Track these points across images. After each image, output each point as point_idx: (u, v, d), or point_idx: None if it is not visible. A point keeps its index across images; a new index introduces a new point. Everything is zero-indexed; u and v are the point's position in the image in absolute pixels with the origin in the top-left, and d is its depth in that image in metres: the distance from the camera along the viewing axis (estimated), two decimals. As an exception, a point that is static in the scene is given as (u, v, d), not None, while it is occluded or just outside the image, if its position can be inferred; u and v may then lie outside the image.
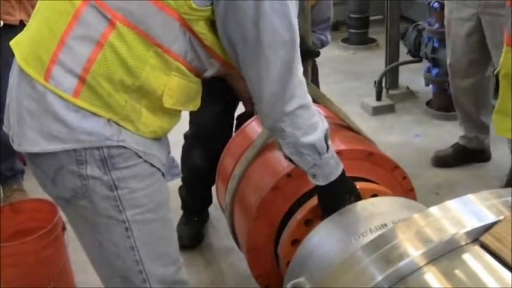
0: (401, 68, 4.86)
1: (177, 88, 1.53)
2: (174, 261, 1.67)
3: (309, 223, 1.89)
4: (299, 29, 1.54)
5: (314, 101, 2.23)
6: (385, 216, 1.73)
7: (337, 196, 1.79)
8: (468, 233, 1.11)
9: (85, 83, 1.44)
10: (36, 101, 1.46)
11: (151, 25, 1.43)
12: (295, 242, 1.89)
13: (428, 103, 4.61)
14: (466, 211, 1.16)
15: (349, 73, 5.45)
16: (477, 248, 1.11)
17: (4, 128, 1.61)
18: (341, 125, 2.27)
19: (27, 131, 1.48)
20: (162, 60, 1.47)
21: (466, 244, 1.11)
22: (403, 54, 4.74)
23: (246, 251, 2.07)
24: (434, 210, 1.18)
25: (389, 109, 4.63)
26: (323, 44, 2.89)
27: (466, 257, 1.10)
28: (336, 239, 1.74)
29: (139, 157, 1.53)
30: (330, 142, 1.69)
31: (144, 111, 1.52)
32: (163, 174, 1.63)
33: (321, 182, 1.73)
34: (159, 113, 1.55)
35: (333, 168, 1.73)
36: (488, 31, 3.25)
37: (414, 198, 2.13)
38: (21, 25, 2.98)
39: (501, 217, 1.13)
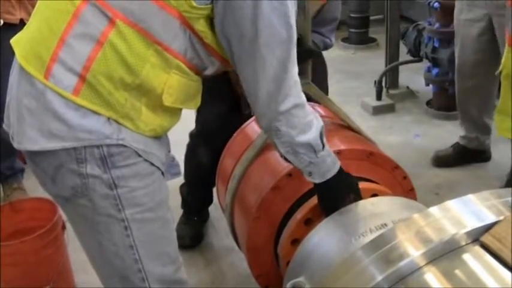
0: (401, 67, 4.85)
1: (177, 86, 1.53)
2: (173, 260, 1.67)
3: (308, 223, 1.89)
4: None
5: (314, 100, 2.25)
6: (385, 216, 1.73)
7: (336, 194, 1.79)
8: (468, 233, 1.11)
9: (85, 81, 1.44)
10: (36, 99, 1.46)
11: (152, 23, 1.44)
12: (295, 242, 1.88)
13: (428, 103, 4.61)
14: (466, 211, 1.16)
15: (349, 73, 5.45)
16: (477, 248, 1.11)
17: (4, 126, 1.61)
18: (341, 125, 2.27)
19: (27, 129, 1.48)
20: (162, 59, 1.47)
21: (466, 244, 1.11)
22: (403, 53, 4.74)
23: (246, 250, 2.07)
24: (434, 210, 1.18)
25: (390, 109, 4.63)
26: (326, 47, 2.89)
27: (466, 257, 1.10)
28: (336, 238, 1.73)
29: (139, 156, 1.53)
30: (325, 140, 1.69)
31: (144, 110, 1.52)
32: (162, 173, 1.63)
33: (317, 180, 1.73)
34: (159, 111, 1.55)
35: (329, 166, 1.73)
36: (500, 32, 3.23)
37: (414, 198, 2.13)
38: (22, 24, 2.98)
39: (501, 217, 1.13)
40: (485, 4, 3.26)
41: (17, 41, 1.57)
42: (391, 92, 4.81)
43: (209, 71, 1.61)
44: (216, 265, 2.93)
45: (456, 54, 3.58)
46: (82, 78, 1.44)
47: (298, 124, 1.60)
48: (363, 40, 6.28)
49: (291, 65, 1.54)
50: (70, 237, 2.42)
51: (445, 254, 1.10)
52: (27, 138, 1.48)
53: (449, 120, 4.30)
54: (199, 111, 2.83)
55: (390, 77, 4.83)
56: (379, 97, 4.65)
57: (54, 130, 1.45)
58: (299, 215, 1.91)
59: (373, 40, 6.30)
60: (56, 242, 2.54)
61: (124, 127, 1.50)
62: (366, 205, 1.81)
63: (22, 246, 2.45)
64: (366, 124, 3.99)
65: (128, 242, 1.56)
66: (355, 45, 6.23)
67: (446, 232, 1.12)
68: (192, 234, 3.04)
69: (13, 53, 1.55)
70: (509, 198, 1.18)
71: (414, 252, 1.10)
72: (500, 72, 2.85)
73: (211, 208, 3.20)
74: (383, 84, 4.73)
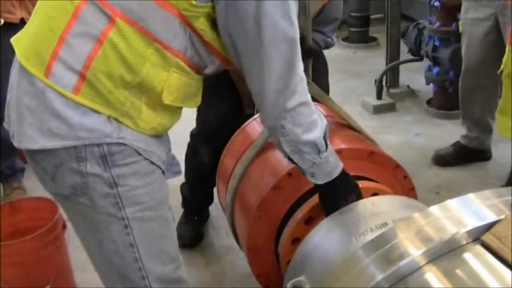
0: (401, 66, 4.85)
1: (177, 85, 1.53)
2: (173, 259, 1.67)
3: (309, 222, 1.89)
4: (300, 28, 1.54)
5: (315, 99, 2.25)
6: (386, 216, 1.73)
7: (338, 195, 1.79)
8: (469, 233, 1.11)
9: (85, 80, 1.44)
10: (36, 97, 1.46)
11: (151, 22, 1.44)
12: (296, 241, 1.88)
13: (428, 102, 4.61)
14: (466, 210, 1.16)
15: (349, 72, 5.45)
16: (478, 248, 1.11)
17: (5, 125, 1.62)
18: (342, 124, 2.27)
19: (27, 128, 1.48)
20: (162, 57, 1.47)
21: (467, 243, 1.11)
22: (404, 53, 4.74)
23: (246, 250, 2.07)
24: (434, 209, 1.18)
25: (390, 108, 4.63)
26: (327, 46, 2.89)
27: (467, 256, 1.10)
28: (337, 238, 1.73)
29: (139, 154, 1.53)
30: (328, 140, 1.69)
31: (144, 108, 1.52)
32: (163, 172, 1.63)
33: (320, 181, 1.72)
34: (159, 109, 1.55)
35: (332, 167, 1.72)
36: (504, 31, 3.22)
37: (415, 197, 2.13)
38: (22, 23, 2.98)
39: (502, 216, 1.12)
40: (493, 3, 3.24)
41: (17, 40, 1.57)
42: (392, 91, 4.81)
43: (209, 70, 1.60)
44: (216, 264, 2.93)
45: (463, 53, 3.57)
46: (82, 76, 1.44)
47: (304, 122, 1.60)
48: (364, 39, 6.28)
49: (296, 62, 1.54)
50: (70, 236, 2.42)
51: (445, 253, 1.10)
52: (27, 137, 1.48)
53: (450, 119, 4.30)
54: (200, 111, 2.84)
55: (391, 76, 4.83)
56: (379, 96, 4.65)
57: (54, 129, 1.45)
58: (299, 214, 1.91)
59: (374, 39, 6.30)
60: (56, 241, 2.54)
61: (124, 126, 1.50)
62: (366, 204, 1.81)
63: (22, 246, 2.45)
64: (366, 123, 3.98)
65: (128, 240, 1.56)
66: (356, 45, 6.24)
67: (446, 231, 1.11)
68: (193, 233, 3.05)
69: (13, 52, 1.56)
70: (510, 198, 1.18)
71: (415, 251, 1.10)
72: (501, 72, 2.85)
73: (211, 207, 3.20)
74: (383, 83, 4.73)
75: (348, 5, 6.07)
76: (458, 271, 1.08)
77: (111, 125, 1.48)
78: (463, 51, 3.57)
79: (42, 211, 2.64)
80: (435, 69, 4.30)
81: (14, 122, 1.53)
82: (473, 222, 1.12)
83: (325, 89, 2.78)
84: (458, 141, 3.77)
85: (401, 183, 2.13)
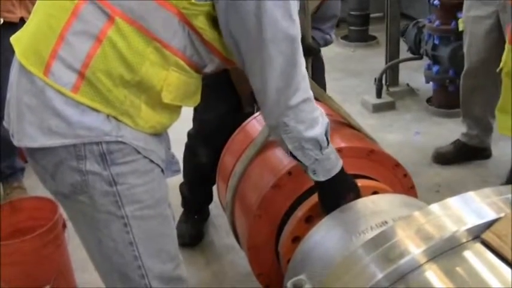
0: (401, 65, 4.85)
1: (176, 83, 1.53)
2: (173, 257, 1.67)
3: (309, 220, 1.89)
4: (300, 26, 1.54)
5: (315, 98, 2.25)
6: (386, 214, 1.73)
7: (337, 192, 1.79)
8: (469, 231, 1.11)
9: (84, 79, 1.44)
10: (36, 96, 1.46)
11: (151, 20, 1.44)
12: (296, 240, 1.88)
13: (428, 100, 4.61)
14: (466, 208, 1.16)
15: (349, 70, 5.45)
16: (478, 246, 1.11)
17: (4, 124, 1.62)
18: (342, 123, 2.27)
19: (27, 127, 1.48)
20: (162, 56, 1.47)
21: (467, 241, 1.11)
22: (403, 51, 4.74)
23: (246, 249, 2.07)
24: (434, 207, 1.18)
25: (390, 106, 4.63)
26: (326, 43, 2.89)
27: (467, 254, 1.10)
28: (337, 236, 1.73)
29: (139, 153, 1.53)
30: (329, 137, 1.70)
31: (144, 107, 1.52)
32: (162, 171, 1.63)
33: (321, 178, 1.73)
34: (159, 108, 1.55)
35: (333, 164, 1.73)
36: (505, 29, 3.21)
37: (415, 195, 2.13)
38: (22, 22, 2.97)
39: (502, 214, 1.12)
40: (495, 1, 3.24)
41: (16, 39, 1.58)
42: (391, 89, 4.81)
43: (209, 69, 1.61)
44: (216, 264, 2.93)
45: (464, 51, 3.57)
46: (81, 75, 1.44)
47: (306, 119, 1.61)
48: (363, 38, 6.27)
49: (298, 60, 1.55)
50: (70, 236, 2.42)
51: (445, 251, 1.10)
52: (27, 135, 1.49)
53: (450, 117, 4.30)
54: (197, 111, 2.83)
55: (390, 74, 4.83)
56: (379, 95, 4.65)
57: (54, 127, 1.45)
58: (300, 212, 1.91)
59: (373, 38, 6.29)
60: (56, 241, 2.54)
61: (123, 124, 1.50)
62: (366, 203, 1.81)
63: (22, 246, 2.45)
64: (366, 122, 3.98)
65: (128, 238, 1.56)
66: (355, 43, 6.23)
67: (446, 229, 1.11)
68: (193, 232, 3.05)
69: (13, 52, 1.56)
70: (510, 195, 1.18)
71: (415, 249, 1.10)
72: (501, 70, 2.84)
73: (211, 206, 3.20)
74: (383, 82, 4.72)
75: (348, 4, 6.07)
76: (458, 269, 1.08)
77: (111, 124, 1.48)
78: (464, 49, 3.57)
79: (42, 211, 2.64)
80: (435, 68, 4.29)
81: (13, 121, 1.53)
82: (473, 220, 1.12)
83: (322, 87, 2.78)
84: (458, 139, 3.76)
85: (401, 181, 2.13)
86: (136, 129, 1.52)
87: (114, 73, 1.45)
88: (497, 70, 2.90)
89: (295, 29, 1.51)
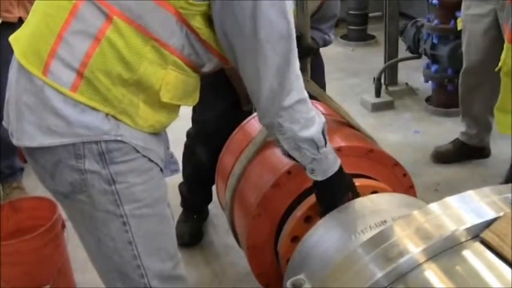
0: (400, 64, 4.85)
1: (175, 82, 1.53)
2: (172, 256, 1.67)
3: (308, 220, 1.89)
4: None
5: (314, 98, 2.25)
6: (385, 213, 1.73)
7: (336, 192, 1.79)
8: (468, 230, 1.11)
9: (83, 78, 1.44)
10: (35, 95, 1.46)
11: (149, 20, 1.44)
12: (295, 239, 1.88)
13: (427, 100, 4.61)
14: (466, 208, 1.16)
15: (348, 70, 5.45)
16: (477, 245, 1.11)
17: (4, 123, 1.62)
18: (341, 122, 2.27)
19: (26, 126, 1.48)
20: (160, 55, 1.48)
21: (466, 241, 1.11)
22: (402, 50, 4.73)
23: (246, 248, 2.07)
24: (434, 207, 1.18)
25: (389, 106, 4.63)
26: (325, 43, 2.89)
27: (466, 253, 1.10)
28: (336, 236, 1.73)
29: (138, 152, 1.53)
30: (327, 136, 1.70)
31: (142, 106, 1.52)
32: (161, 170, 1.64)
33: (319, 177, 1.73)
34: (157, 107, 1.55)
35: (331, 163, 1.73)
36: (503, 28, 3.21)
37: (414, 195, 2.13)
38: (20, 22, 2.98)
39: (501, 214, 1.12)
40: (493, 0, 3.24)
41: (15, 39, 1.58)
42: (390, 89, 4.81)
43: (207, 68, 1.61)
44: (216, 263, 2.93)
45: (463, 50, 3.57)
46: (80, 74, 1.44)
47: (301, 119, 1.60)
48: (362, 37, 6.28)
49: (292, 59, 1.54)
50: (69, 236, 2.42)
51: (445, 250, 1.10)
52: (26, 134, 1.49)
53: (449, 116, 4.30)
54: (195, 111, 2.83)
55: (389, 74, 4.83)
56: (378, 94, 4.65)
57: (53, 126, 1.45)
58: (299, 212, 1.91)
59: (372, 37, 6.30)
60: (56, 241, 2.54)
61: (122, 123, 1.50)
62: (365, 202, 1.81)
63: (22, 245, 2.45)
64: (365, 121, 3.99)
65: (127, 237, 1.56)
66: (354, 43, 6.23)
67: (446, 229, 1.11)
68: (192, 232, 3.05)
69: (12, 52, 1.56)
70: (509, 195, 1.18)
71: (414, 249, 1.10)
72: (500, 69, 2.84)
73: (210, 206, 3.20)
74: (382, 81, 4.72)
75: (347, 3, 6.07)
76: (457, 268, 1.08)
77: (109, 123, 1.48)
78: (463, 48, 3.57)
79: (41, 210, 2.64)
80: (434, 67, 4.29)
81: (12, 120, 1.54)
82: (472, 220, 1.12)
83: (322, 87, 2.78)
84: (457, 138, 3.76)
85: (400, 181, 2.13)
86: (135, 128, 1.52)
87: (113, 72, 1.45)
88: (496, 69, 2.89)
89: (290, 29, 1.51)
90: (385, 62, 4.79)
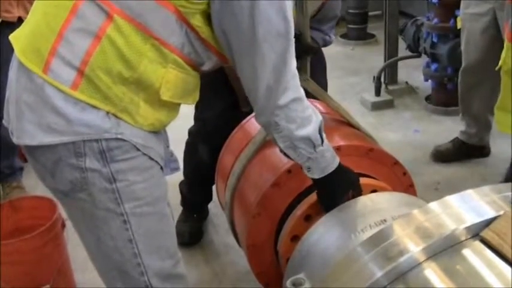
0: (400, 63, 4.85)
1: (175, 81, 1.53)
2: (172, 255, 1.67)
3: (308, 219, 1.89)
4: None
5: (314, 97, 2.25)
6: (385, 212, 1.73)
7: (335, 190, 1.79)
8: (468, 229, 1.11)
9: (84, 76, 1.44)
10: (35, 93, 1.47)
11: (149, 18, 1.44)
12: (295, 238, 1.88)
13: (427, 98, 4.61)
14: (465, 207, 1.16)
15: (348, 69, 5.44)
16: (477, 244, 1.11)
17: (4, 122, 1.62)
18: (341, 121, 2.27)
19: (26, 124, 1.48)
20: (160, 53, 1.48)
21: (466, 239, 1.11)
22: (402, 49, 4.73)
23: (246, 248, 2.07)
24: (434, 205, 1.18)
25: (389, 104, 4.63)
26: (326, 44, 2.89)
27: (466, 252, 1.10)
28: (336, 235, 1.73)
29: (138, 150, 1.53)
30: (324, 135, 1.69)
31: (142, 104, 1.52)
32: (161, 168, 1.64)
33: (316, 175, 1.73)
34: (157, 105, 1.55)
35: (328, 161, 1.72)
36: (502, 27, 3.21)
37: (414, 194, 2.13)
38: (20, 22, 2.97)
39: (501, 212, 1.12)
40: None
41: (16, 37, 1.58)
42: (390, 87, 4.81)
43: (207, 66, 1.61)
44: (216, 262, 2.93)
45: (462, 49, 3.57)
46: (80, 72, 1.44)
47: (297, 118, 1.60)
48: (362, 36, 6.28)
49: (289, 58, 1.54)
50: (69, 235, 2.42)
51: (445, 249, 1.10)
52: (26, 133, 1.49)
53: (449, 115, 4.30)
54: (197, 109, 2.83)
55: (389, 72, 4.83)
56: (378, 93, 4.65)
57: (53, 124, 1.45)
58: (299, 211, 1.91)
59: (372, 36, 6.30)
60: (56, 240, 2.54)
61: (123, 121, 1.50)
62: (365, 201, 1.81)
63: (22, 245, 2.45)
64: (365, 120, 3.99)
65: (127, 236, 1.56)
66: (354, 41, 6.23)
67: (446, 227, 1.11)
68: (192, 231, 3.05)
69: (11, 51, 1.56)
70: (509, 193, 1.18)
71: (414, 248, 1.10)
72: (500, 68, 2.84)
73: (210, 205, 3.20)
74: (382, 80, 4.72)
75: (347, 2, 6.07)
76: (457, 267, 1.08)
77: (110, 121, 1.48)
78: (462, 47, 3.57)
79: (41, 210, 2.64)
80: (433, 66, 4.29)
81: (13, 119, 1.54)
82: (472, 219, 1.12)
83: (323, 86, 2.78)
84: (457, 137, 3.76)
85: (400, 180, 2.13)
86: (136, 126, 1.52)
87: (113, 70, 1.45)
88: (496, 68, 2.89)
89: (289, 28, 1.51)
90: (385, 61, 4.79)
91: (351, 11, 6.21)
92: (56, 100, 1.45)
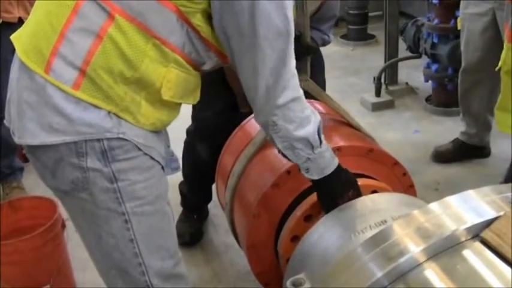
0: (400, 64, 4.85)
1: (176, 80, 1.53)
2: (172, 254, 1.68)
3: (308, 219, 1.89)
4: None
5: (313, 97, 2.25)
6: (385, 213, 1.73)
7: (334, 191, 1.79)
8: (468, 229, 1.11)
9: (85, 75, 1.44)
10: (37, 93, 1.47)
11: (150, 18, 1.44)
12: (295, 239, 1.88)
13: (427, 99, 4.61)
14: (466, 207, 1.16)
15: (348, 69, 5.45)
16: (477, 244, 1.10)
17: (5, 122, 1.62)
18: (341, 122, 2.27)
19: (27, 124, 1.48)
20: (161, 53, 1.48)
21: (466, 240, 1.11)
22: (402, 50, 4.73)
23: (246, 248, 2.07)
24: (434, 206, 1.18)
25: (389, 105, 4.63)
26: (324, 43, 2.89)
27: (467, 253, 1.10)
28: (336, 235, 1.73)
29: (139, 149, 1.54)
30: (323, 136, 1.69)
31: (144, 103, 1.52)
32: (162, 168, 1.64)
33: (315, 176, 1.73)
34: (158, 105, 1.55)
35: (327, 162, 1.72)
36: (502, 27, 3.21)
37: (414, 194, 2.13)
38: (20, 22, 2.99)
39: (501, 213, 1.12)
40: None
41: (17, 37, 1.58)
42: (390, 88, 4.81)
43: (207, 66, 1.61)
44: (216, 262, 2.93)
45: (462, 49, 3.57)
46: (82, 72, 1.44)
47: (295, 118, 1.60)
48: (362, 37, 6.27)
49: (289, 57, 1.54)
50: (69, 235, 2.42)
51: (445, 250, 1.10)
52: (28, 132, 1.49)
53: (449, 116, 4.30)
54: (195, 108, 2.83)
55: (389, 73, 4.83)
56: (378, 93, 4.65)
57: (55, 124, 1.46)
58: (299, 211, 1.91)
59: (372, 36, 6.30)
60: (56, 240, 2.54)
61: (124, 121, 1.50)
62: (365, 201, 1.81)
63: (22, 245, 2.45)
64: (365, 121, 3.99)
65: (128, 235, 1.56)
66: (354, 42, 6.23)
67: (446, 228, 1.11)
68: (192, 231, 3.05)
69: (12, 51, 1.57)
70: (509, 194, 1.18)
71: (414, 248, 1.10)
72: (500, 69, 2.84)
73: (210, 205, 3.20)
74: (382, 80, 4.72)
75: (346, 3, 6.07)
76: (457, 268, 1.08)
77: (111, 120, 1.48)
78: (462, 47, 3.57)
79: (41, 210, 2.64)
80: (434, 66, 4.29)
81: (14, 118, 1.54)
82: (472, 219, 1.12)
83: (322, 86, 2.79)
84: (457, 138, 3.77)
85: (400, 180, 2.13)
86: (137, 126, 1.53)
87: (115, 70, 1.45)
88: (496, 69, 2.90)
89: (289, 27, 1.51)
90: (385, 62, 4.79)
91: (351, 11, 6.21)
92: (58, 100, 1.45)
